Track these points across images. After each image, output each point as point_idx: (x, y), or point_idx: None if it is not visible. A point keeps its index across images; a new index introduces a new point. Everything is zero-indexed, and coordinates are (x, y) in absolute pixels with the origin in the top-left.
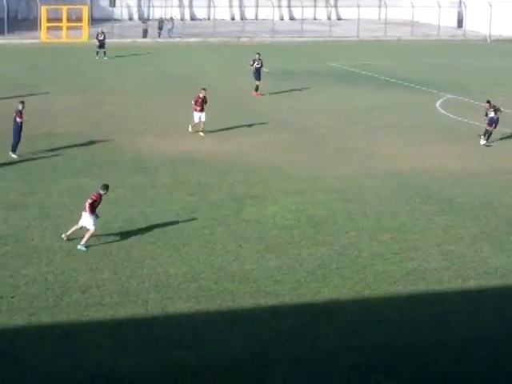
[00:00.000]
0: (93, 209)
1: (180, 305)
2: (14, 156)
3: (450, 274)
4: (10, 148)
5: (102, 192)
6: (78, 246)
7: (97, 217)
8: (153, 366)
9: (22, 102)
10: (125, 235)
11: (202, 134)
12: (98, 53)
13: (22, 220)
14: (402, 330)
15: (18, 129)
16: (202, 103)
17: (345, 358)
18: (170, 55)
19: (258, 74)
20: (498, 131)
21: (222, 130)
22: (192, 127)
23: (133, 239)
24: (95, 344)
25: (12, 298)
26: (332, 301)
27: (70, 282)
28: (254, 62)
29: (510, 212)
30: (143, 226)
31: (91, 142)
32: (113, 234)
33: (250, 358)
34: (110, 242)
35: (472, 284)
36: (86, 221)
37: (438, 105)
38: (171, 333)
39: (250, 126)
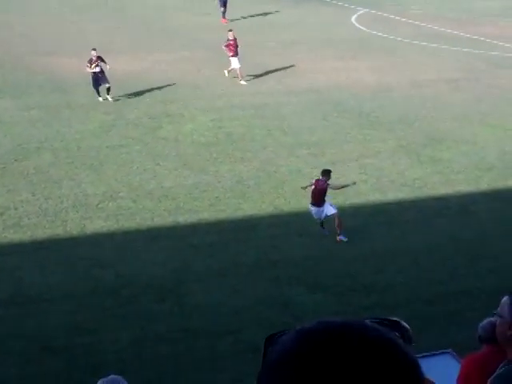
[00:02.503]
0: (322, 198)
1: (99, 224)
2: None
3: (367, 187)
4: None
5: (322, 178)
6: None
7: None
8: (72, 284)
9: (94, 49)
10: (41, 156)
11: (243, 82)
12: None
13: None
14: (323, 244)
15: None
16: (235, 46)
17: (266, 272)
18: None
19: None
20: (416, 45)
21: (137, 48)
22: (229, 72)
23: (50, 159)
24: (14, 265)
25: None
26: (252, 216)
27: None
28: None
29: (427, 125)
30: (60, 146)
31: (3, 63)
32: (29, 155)
33: (171, 275)
34: (27, 162)
35: (390, 196)
36: (326, 210)
37: (353, 19)
38: (91, 252)
39: (164, 43)
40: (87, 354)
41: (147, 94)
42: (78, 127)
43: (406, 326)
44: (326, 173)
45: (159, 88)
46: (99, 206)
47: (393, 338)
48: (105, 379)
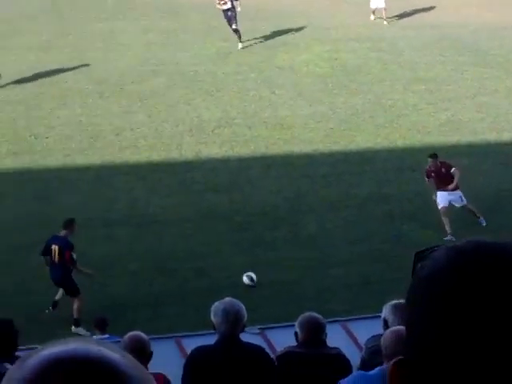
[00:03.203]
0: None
1: (214, 150)
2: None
3: (484, 126)
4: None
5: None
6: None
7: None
8: (186, 208)
9: None
10: (158, 79)
11: (385, 22)
12: None
13: (54, 61)
14: None
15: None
16: None
17: (378, 206)
18: None
19: None
20: None
21: None
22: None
23: (166, 83)
24: (129, 186)
25: (46, 138)
26: (366, 149)
27: (103, 124)
28: None
29: None
30: (176, 70)
31: None
32: (145, 78)
33: (284, 204)
34: (143, 85)
35: (506, 136)
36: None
37: None
38: (205, 177)
39: None
40: (200, 277)
41: (263, 23)
42: (195, 52)
43: None
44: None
45: (275, 17)
46: (215, 131)
47: None
48: (222, 301)
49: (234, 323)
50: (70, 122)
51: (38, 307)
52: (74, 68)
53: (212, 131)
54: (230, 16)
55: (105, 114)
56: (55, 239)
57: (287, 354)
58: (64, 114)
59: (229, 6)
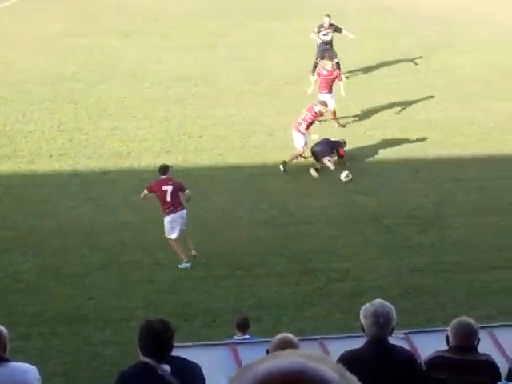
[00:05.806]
0: None
1: (366, 152)
2: None
3: None
4: None
5: None
6: None
7: None
8: (335, 209)
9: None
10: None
11: None
12: None
13: (212, 61)
14: None
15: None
16: None
17: None
18: None
19: None
20: None
21: None
22: None
23: (316, 87)
24: (280, 186)
25: (200, 138)
26: None
27: (256, 124)
28: None
29: None
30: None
31: None
32: (301, 79)
33: (433, 207)
34: (298, 87)
35: None
36: None
37: None
38: (354, 179)
39: None
40: (345, 279)
41: (419, 23)
42: (348, 55)
43: None
44: None
45: (429, 19)
46: (367, 133)
47: None
48: (373, 303)
49: (384, 326)
50: (223, 122)
51: None
52: (230, 67)
53: (364, 133)
54: (328, 50)
55: (257, 115)
56: None
57: (436, 359)
58: (217, 113)
59: (328, 38)
